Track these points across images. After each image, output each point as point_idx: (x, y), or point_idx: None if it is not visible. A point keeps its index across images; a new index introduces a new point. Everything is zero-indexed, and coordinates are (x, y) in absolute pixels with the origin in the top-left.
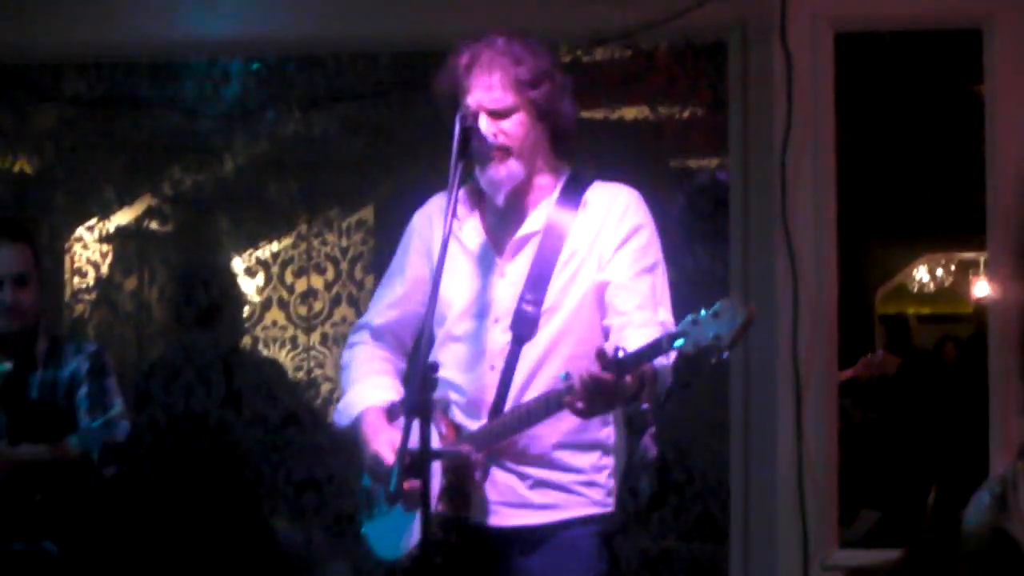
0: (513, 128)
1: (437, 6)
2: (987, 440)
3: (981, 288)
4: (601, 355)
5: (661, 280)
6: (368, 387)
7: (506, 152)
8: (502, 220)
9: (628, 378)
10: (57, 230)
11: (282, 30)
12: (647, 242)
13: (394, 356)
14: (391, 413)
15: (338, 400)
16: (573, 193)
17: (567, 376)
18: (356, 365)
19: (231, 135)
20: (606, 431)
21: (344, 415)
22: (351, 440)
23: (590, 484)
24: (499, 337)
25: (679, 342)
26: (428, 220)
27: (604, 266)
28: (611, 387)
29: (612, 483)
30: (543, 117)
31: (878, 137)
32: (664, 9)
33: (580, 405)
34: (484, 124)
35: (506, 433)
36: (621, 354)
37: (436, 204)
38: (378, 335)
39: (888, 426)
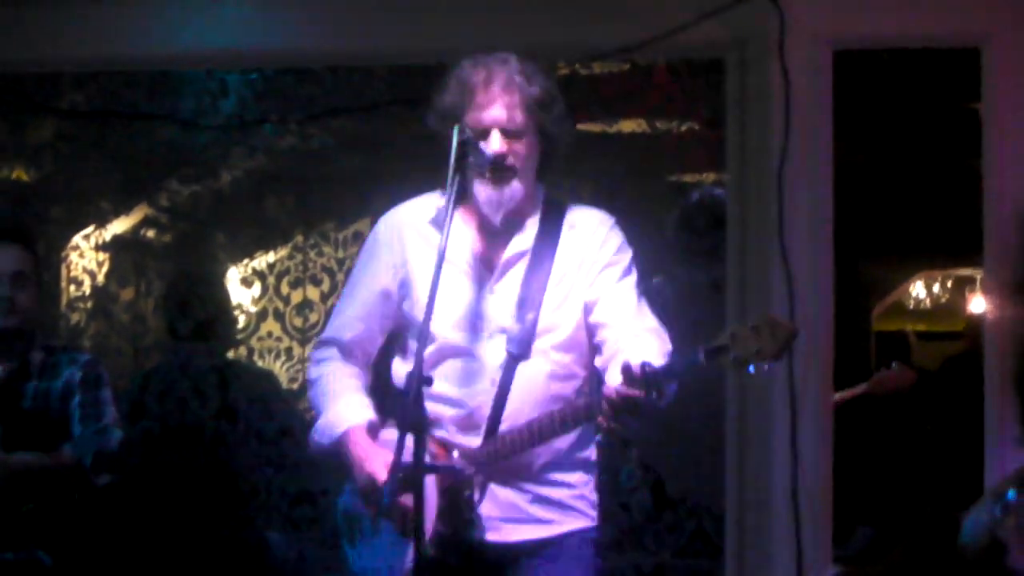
0: (523, 149)
1: (434, 21)
2: (981, 456)
3: (977, 304)
4: (627, 371)
5: (640, 297)
6: (347, 406)
7: (513, 173)
8: (486, 233)
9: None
10: (53, 240)
11: (279, 43)
12: (630, 263)
13: (362, 372)
14: (372, 431)
15: (314, 419)
16: (555, 214)
17: (584, 394)
18: (328, 382)
19: (228, 147)
20: (590, 449)
21: (325, 434)
22: (331, 459)
23: (581, 498)
24: (496, 353)
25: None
26: (396, 232)
27: (590, 286)
28: (639, 403)
29: (596, 496)
30: (545, 139)
31: (875, 154)
32: (662, 25)
33: (614, 424)
34: (496, 143)
35: (514, 451)
36: (648, 369)
37: (403, 214)
38: (347, 351)
39: (886, 442)
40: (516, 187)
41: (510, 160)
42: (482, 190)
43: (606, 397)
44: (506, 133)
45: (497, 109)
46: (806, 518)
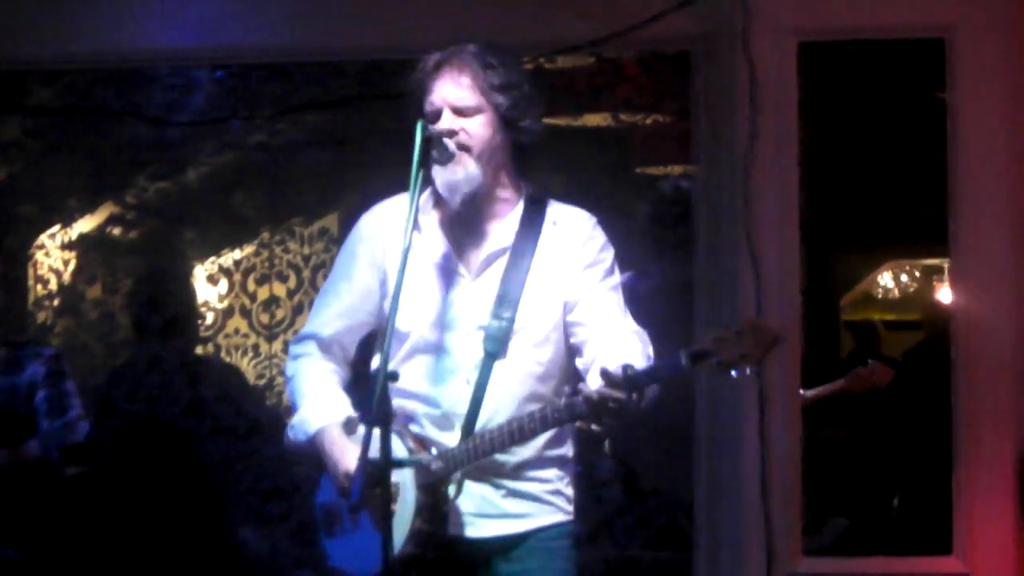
0: (476, 128)
1: (402, 16)
2: (950, 447)
3: (945, 294)
4: (608, 374)
5: (622, 299)
6: (323, 402)
7: (466, 151)
8: (464, 229)
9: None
10: (21, 238)
11: (247, 40)
12: (612, 263)
13: (340, 368)
14: (348, 428)
15: (290, 414)
16: (537, 211)
17: (564, 394)
18: (305, 378)
19: (196, 144)
20: (566, 446)
21: (300, 431)
22: (306, 456)
23: (556, 493)
24: (472, 351)
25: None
26: (377, 228)
27: (571, 285)
28: (622, 405)
29: (571, 491)
30: (507, 125)
31: (842, 145)
32: (628, 18)
33: (594, 426)
34: (447, 120)
35: (493, 449)
36: (630, 372)
37: (385, 212)
38: (326, 347)
39: (855, 435)
40: (472, 168)
41: (462, 137)
42: (439, 174)
43: (587, 399)
44: (457, 111)
45: (447, 87)
46: (776, 510)
